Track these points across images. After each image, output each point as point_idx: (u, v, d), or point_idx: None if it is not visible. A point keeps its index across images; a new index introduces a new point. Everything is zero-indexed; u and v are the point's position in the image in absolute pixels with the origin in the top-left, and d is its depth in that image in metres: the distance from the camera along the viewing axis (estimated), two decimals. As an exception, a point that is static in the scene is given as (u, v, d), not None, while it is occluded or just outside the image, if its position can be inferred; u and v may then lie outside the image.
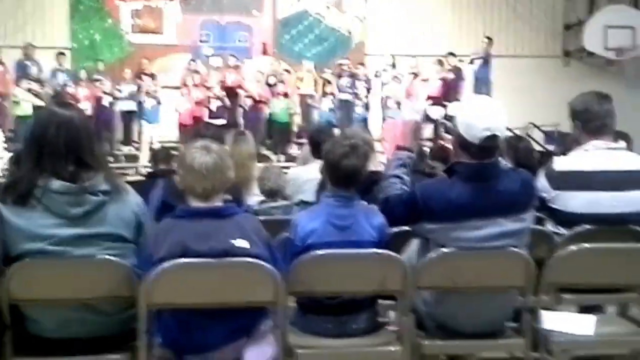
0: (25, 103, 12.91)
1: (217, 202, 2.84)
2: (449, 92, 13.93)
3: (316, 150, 4.96)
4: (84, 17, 15.12)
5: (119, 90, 14.01)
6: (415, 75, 14.39)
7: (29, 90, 13.12)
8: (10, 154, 9.52)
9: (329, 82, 14.50)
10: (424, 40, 15.60)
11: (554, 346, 3.19)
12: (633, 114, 10.46)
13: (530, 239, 3.15)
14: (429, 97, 13.72)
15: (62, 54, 14.36)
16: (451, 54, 14.38)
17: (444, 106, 12.72)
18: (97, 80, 13.94)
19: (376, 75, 14.61)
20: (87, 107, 13.00)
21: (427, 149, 5.49)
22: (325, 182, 3.26)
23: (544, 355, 3.15)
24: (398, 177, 3.29)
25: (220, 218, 2.79)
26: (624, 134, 4.35)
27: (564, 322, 3.21)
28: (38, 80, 13.63)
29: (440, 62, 14.20)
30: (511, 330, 3.20)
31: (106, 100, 13.71)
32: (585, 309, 3.64)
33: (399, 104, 13.91)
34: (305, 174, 5.20)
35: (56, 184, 2.69)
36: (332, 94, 14.37)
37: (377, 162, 4.52)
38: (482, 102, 3.19)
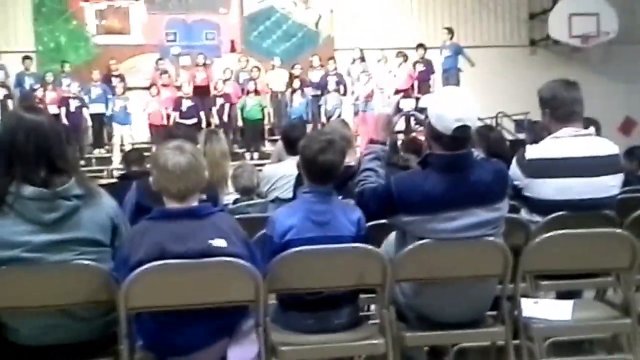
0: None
1: (193, 203, 2.82)
2: (419, 84, 14.02)
3: (290, 147, 4.96)
4: (47, 19, 14.90)
5: (88, 93, 13.85)
6: (386, 68, 14.48)
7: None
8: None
9: (298, 78, 14.47)
10: (392, 33, 15.65)
11: (534, 333, 3.22)
12: (600, 100, 10.59)
13: (505, 227, 3.17)
14: (398, 91, 13.79)
15: (28, 57, 14.19)
16: (421, 45, 14.47)
17: (416, 99, 12.79)
18: (65, 84, 13.77)
19: (348, 75, 14.63)
20: (55, 110, 12.86)
21: (399, 142, 5.50)
22: (302, 178, 3.25)
23: (525, 342, 3.17)
24: (372, 170, 3.29)
25: (196, 218, 2.77)
26: (594, 120, 4.39)
27: (543, 309, 3.24)
28: (4, 86, 13.45)
29: (404, 56, 14.29)
30: (491, 318, 3.21)
31: (74, 104, 13.53)
32: (563, 295, 3.68)
33: (370, 97, 13.97)
34: (279, 171, 5.19)
35: (28, 189, 2.65)
36: (302, 89, 14.33)
37: (355, 157, 4.53)
38: (453, 93, 3.21)
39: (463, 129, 3.02)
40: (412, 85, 14.20)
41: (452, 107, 3.03)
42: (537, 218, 3.71)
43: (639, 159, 5.76)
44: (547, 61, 15.72)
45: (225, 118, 14.03)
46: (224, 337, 2.77)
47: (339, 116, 13.80)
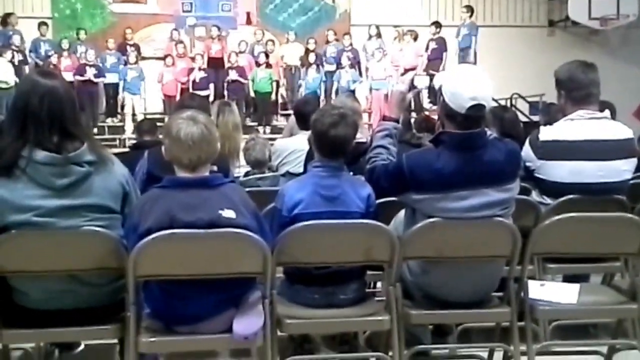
0: (7, 74, 12.73)
1: (204, 173, 2.82)
2: (430, 62, 13.93)
3: (302, 122, 4.95)
4: (65, -14, 14.90)
5: (104, 61, 13.86)
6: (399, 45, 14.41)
7: (11, 61, 12.93)
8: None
9: (314, 52, 14.39)
10: (408, 10, 15.52)
11: (539, 315, 3.22)
12: (617, 83, 10.50)
13: (516, 208, 3.15)
14: (405, 70, 13.65)
15: (45, 23, 14.17)
16: (436, 23, 14.36)
17: (430, 76, 12.70)
18: (80, 51, 13.77)
19: (364, 50, 14.54)
20: (69, 77, 12.87)
21: (412, 120, 5.44)
22: (313, 152, 3.24)
23: (530, 324, 3.18)
24: (384, 147, 3.28)
25: (207, 188, 2.77)
26: (609, 103, 4.35)
27: (549, 291, 3.23)
28: (19, 51, 13.46)
29: (413, 33, 14.30)
30: (497, 299, 3.22)
31: (90, 72, 13.53)
32: (570, 279, 3.68)
33: (384, 74, 13.93)
34: (291, 145, 5.19)
35: (41, 154, 2.66)
36: (317, 64, 14.25)
37: (366, 132, 4.52)
38: (468, 71, 3.17)
39: (477, 108, 3.00)
40: (422, 63, 14.10)
41: (467, 86, 3.00)
42: (548, 200, 3.69)
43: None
44: (564, 43, 15.57)
45: (237, 91, 13.97)
46: (230, 307, 2.78)
47: (353, 92, 13.77)
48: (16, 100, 2.78)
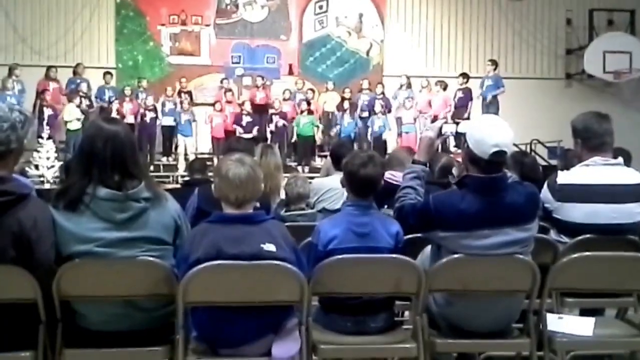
0: (75, 118, 13.04)
1: (249, 210, 2.85)
2: (456, 110, 13.93)
3: (337, 163, 4.97)
4: (127, 40, 15.25)
5: (163, 106, 14.11)
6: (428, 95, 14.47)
7: (79, 107, 13.25)
8: (61, 164, 9.65)
9: (350, 100, 14.49)
10: (436, 62, 15.60)
11: (557, 346, 3.15)
12: (630, 131, 10.36)
13: (535, 246, 3.12)
14: (435, 117, 13.67)
15: (109, 73, 14.51)
16: (463, 74, 14.40)
17: (456, 123, 12.69)
18: (141, 97, 14.06)
19: (394, 98, 14.63)
20: (131, 120, 13.16)
21: (450, 163, 5.17)
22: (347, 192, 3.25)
23: (548, 354, 3.12)
24: (413, 188, 3.27)
25: (251, 224, 2.80)
26: (626, 150, 4.30)
27: (566, 324, 3.17)
28: (87, 97, 13.78)
29: (443, 84, 14.32)
30: (517, 330, 3.17)
31: (149, 116, 13.80)
32: (586, 312, 3.60)
33: (414, 120, 14.00)
34: (327, 184, 5.22)
35: (103, 191, 2.71)
36: (352, 111, 14.34)
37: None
38: (491, 121, 3.17)
39: (499, 154, 2.99)
40: (449, 111, 14.08)
41: (490, 134, 3.00)
42: (565, 239, 3.64)
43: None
44: (581, 94, 15.45)
45: (281, 134, 14.11)
46: (269, 333, 2.78)
47: (384, 136, 13.84)
48: (82, 144, 2.85)
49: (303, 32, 15.92)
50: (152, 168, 13.16)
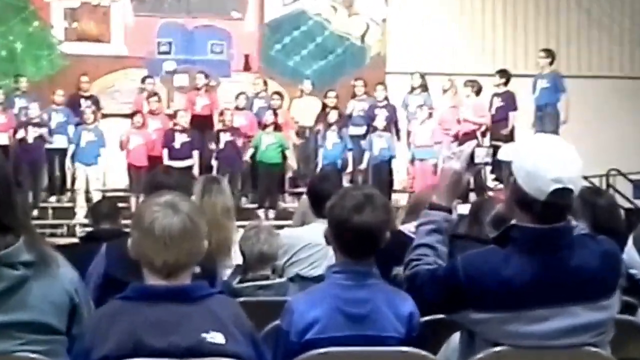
0: None
1: (184, 280, 2.83)
2: (494, 125, 13.72)
3: (318, 205, 4.97)
4: (1, 18, 15.23)
5: (50, 119, 14.04)
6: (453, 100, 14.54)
7: None
8: None
9: (337, 110, 14.55)
10: (463, 53, 15.74)
11: None
12: None
13: (616, 333, 3.13)
14: (464, 135, 13.28)
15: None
16: (502, 71, 14.33)
17: (494, 147, 12.73)
18: (19, 105, 14.01)
19: (405, 108, 14.68)
20: (4, 140, 13.07)
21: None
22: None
23: None
24: (430, 246, 3.27)
25: (186, 302, 2.78)
26: None
27: None
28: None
29: (475, 85, 14.07)
30: None
31: (32, 134, 13.66)
32: None
33: (431, 141, 14.01)
34: (303, 238, 5.21)
35: (-40, 253, 2.69)
36: (340, 126, 14.41)
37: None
38: (549, 144, 3.20)
39: (562, 194, 3.01)
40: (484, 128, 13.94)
41: (549, 163, 3.02)
42: (662, 322, 3.66)
43: None
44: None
45: (231, 160, 14.10)
46: None
47: (390, 164, 13.81)
48: None
49: (265, 6, 16.06)
50: (36, 213, 13.14)
